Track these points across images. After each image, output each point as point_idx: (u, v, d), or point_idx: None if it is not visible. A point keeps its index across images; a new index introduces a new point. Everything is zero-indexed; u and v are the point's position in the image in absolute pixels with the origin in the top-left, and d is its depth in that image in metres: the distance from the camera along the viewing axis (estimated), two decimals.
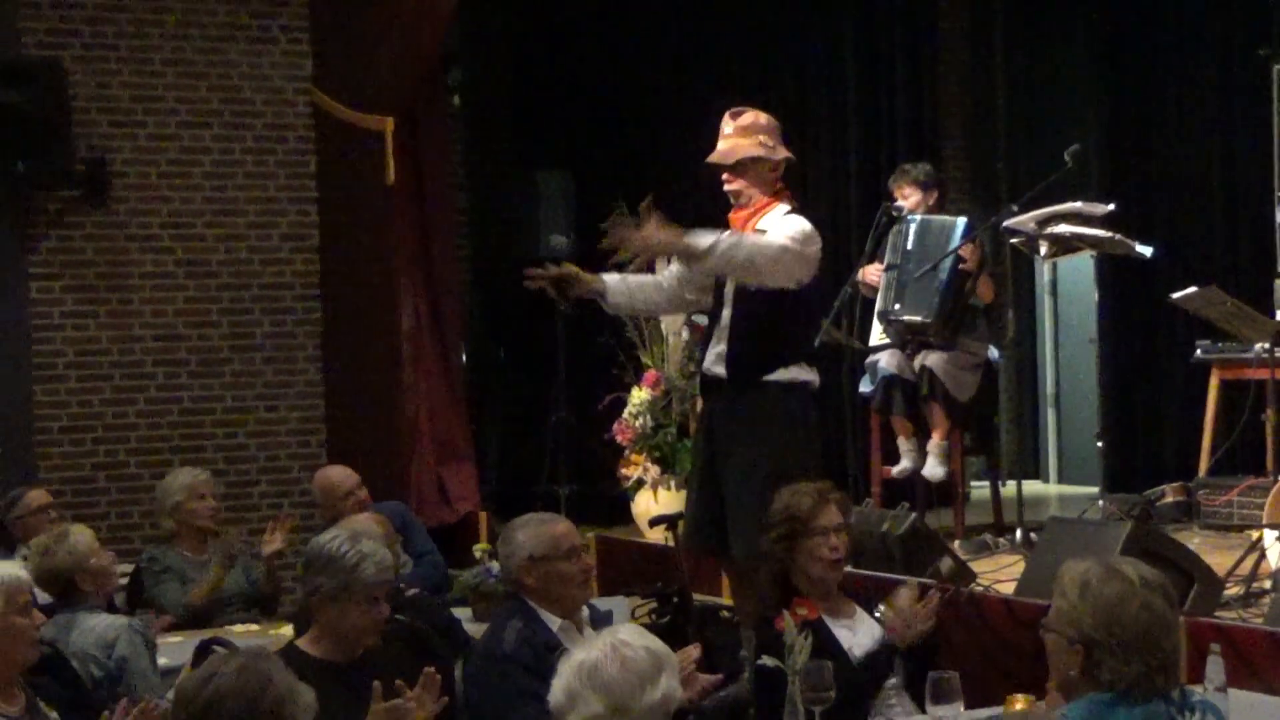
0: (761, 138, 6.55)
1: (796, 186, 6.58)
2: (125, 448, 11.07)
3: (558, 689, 3.66)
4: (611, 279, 6.97)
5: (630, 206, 9.42)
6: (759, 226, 6.48)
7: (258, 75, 11.48)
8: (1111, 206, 8.27)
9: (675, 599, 7.32)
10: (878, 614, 5.56)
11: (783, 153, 6.61)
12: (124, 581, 7.46)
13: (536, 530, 5.43)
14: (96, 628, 5.84)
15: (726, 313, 6.63)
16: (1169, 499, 8.42)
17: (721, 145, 6.59)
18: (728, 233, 6.35)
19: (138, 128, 11.21)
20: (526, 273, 6.98)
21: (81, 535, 6.25)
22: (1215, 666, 4.82)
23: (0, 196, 10.79)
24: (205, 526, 7.84)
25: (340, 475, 8.37)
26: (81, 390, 11.08)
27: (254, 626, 6.85)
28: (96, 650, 5.71)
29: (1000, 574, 7.21)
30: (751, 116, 6.61)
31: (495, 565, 6.44)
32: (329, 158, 11.49)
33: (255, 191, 11.49)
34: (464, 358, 11.67)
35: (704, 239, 6.26)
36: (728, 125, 6.62)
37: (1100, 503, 9.42)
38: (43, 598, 5.49)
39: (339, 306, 11.53)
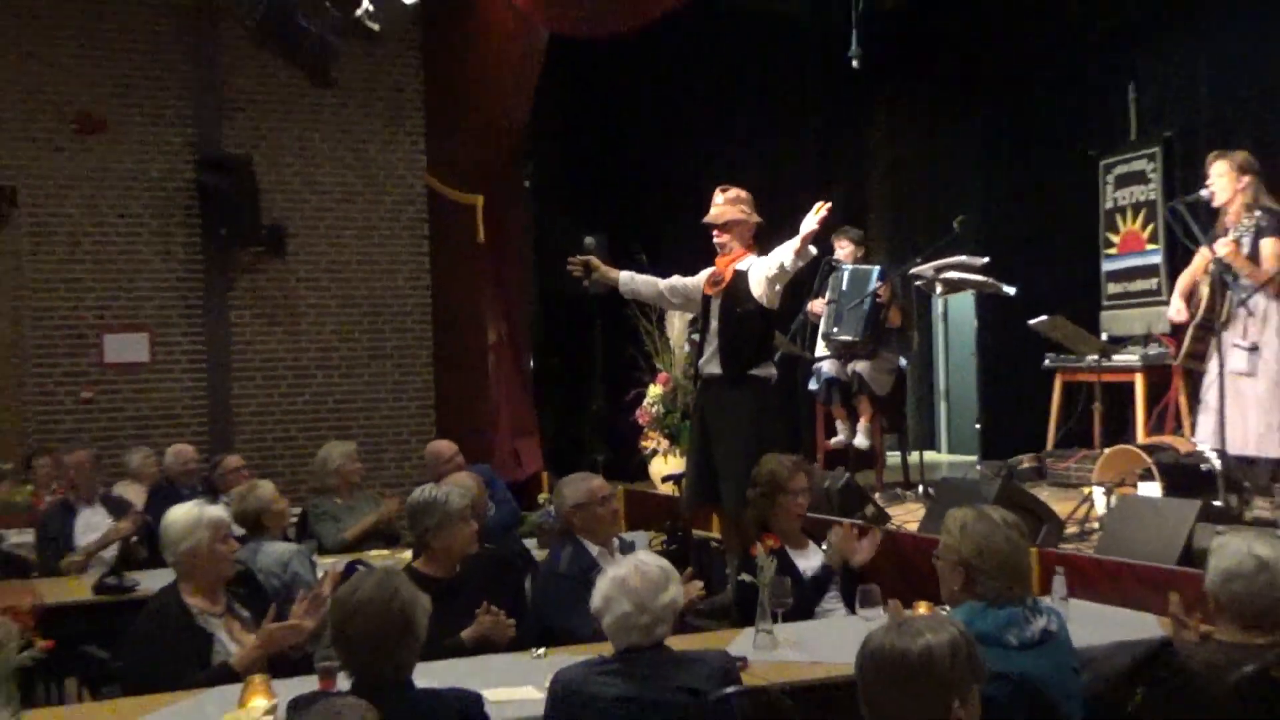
0: (742, 206, 6.52)
1: (770, 245, 6.58)
2: (295, 426, 11.14)
3: (597, 596, 3.69)
4: (624, 274, 7.00)
5: (647, 255, 9.47)
6: (738, 268, 6.47)
7: (388, 166, 11.55)
8: (986, 259, 8.24)
9: (679, 533, 7.29)
10: (824, 546, 5.57)
11: (756, 218, 6.56)
12: (294, 520, 7.50)
13: (579, 485, 5.45)
14: (275, 552, 5.86)
15: (714, 325, 6.58)
16: (1026, 464, 8.39)
17: (713, 210, 6.55)
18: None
19: (304, 203, 11.29)
20: (569, 260, 7.03)
21: (266, 487, 6.27)
22: (1059, 583, 4.85)
23: (210, 252, 10.91)
24: (356, 482, 7.86)
25: (444, 446, 8.36)
26: (265, 386, 11.16)
27: (385, 552, 6.84)
28: (276, 568, 5.73)
29: (908, 517, 7.18)
30: (735, 191, 6.56)
31: (552, 511, 6.44)
32: (438, 223, 11.58)
33: (386, 247, 11.56)
34: (531, 364, 11.67)
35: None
36: (718, 196, 6.57)
37: (978, 467, 9.43)
38: (237, 531, 5.52)
39: (444, 328, 11.61)
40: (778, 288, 6.40)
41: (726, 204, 6.55)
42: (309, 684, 3.88)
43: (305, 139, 11.31)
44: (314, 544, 6.97)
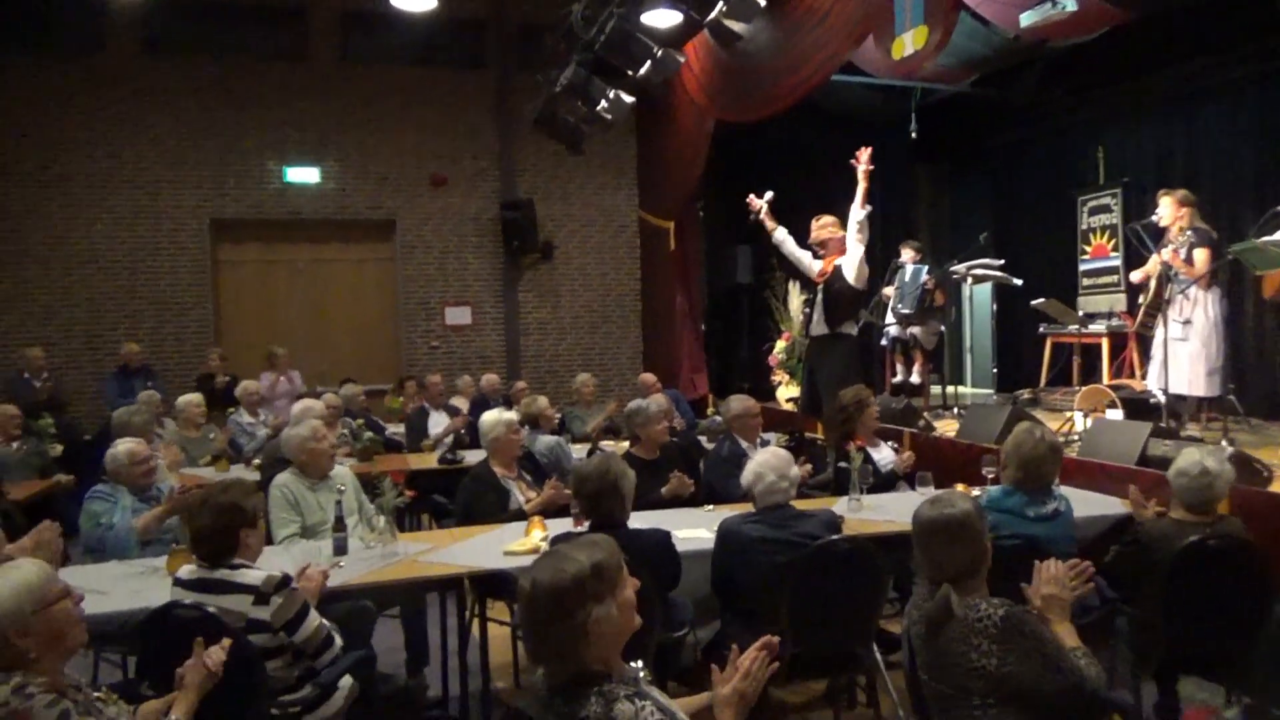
0: (830, 228, 6.59)
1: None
2: (558, 364, 11.22)
3: (749, 471, 3.57)
4: (781, 231, 6.86)
5: (777, 266, 9.20)
6: (836, 264, 6.51)
7: (615, 204, 11.50)
8: (1001, 261, 7.81)
9: (796, 434, 7.10)
10: (892, 445, 5.32)
11: (841, 232, 6.55)
12: (558, 420, 7.54)
13: (739, 403, 5.29)
14: (546, 440, 5.86)
15: (820, 299, 6.60)
16: (1026, 396, 7.92)
17: (813, 234, 6.69)
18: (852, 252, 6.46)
19: (564, 227, 11.31)
20: (750, 198, 6.90)
21: (540, 399, 6.30)
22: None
23: (507, 257, 11.03)
24: (591, 398, 7.86)
25: (649, 376, 8.32)
26: (539, 339, 11.29)
27: (612, 442, 6.83)
28: (546, 450, 5.73)
29: (947, 429, 6.82)
30: (825, 219, 6.69)
31: (717, 418, 6.31)
32: (645, 239, 11.47)
33: (613, 254, 11.52)
34: (703, 326, 11.54)
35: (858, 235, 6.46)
36: (815, 222, 6.70)
37: (993, 397, 8.97)
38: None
39: (649, 304, 11.51)
40: (861, 252, 6.39)
41: (819, 229, 6.69)
42: (566, 524, 3.87)
43: (565, 188, 11.30)
44: (569, 435, 7.00)
